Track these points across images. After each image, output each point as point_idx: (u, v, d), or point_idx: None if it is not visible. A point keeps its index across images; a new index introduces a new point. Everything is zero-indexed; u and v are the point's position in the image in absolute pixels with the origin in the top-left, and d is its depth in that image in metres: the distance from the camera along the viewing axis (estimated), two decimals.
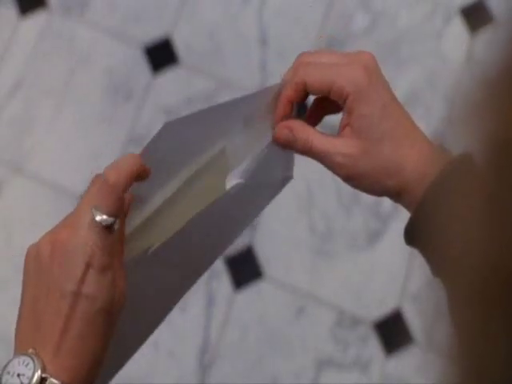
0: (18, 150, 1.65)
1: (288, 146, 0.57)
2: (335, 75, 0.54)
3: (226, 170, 0.57)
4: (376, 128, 0.53)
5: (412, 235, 0.53)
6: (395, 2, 1.76)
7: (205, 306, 1.54)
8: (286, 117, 0.57)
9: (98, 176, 0.53)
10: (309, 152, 0.55)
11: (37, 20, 1.74)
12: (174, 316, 1.52)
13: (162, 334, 1.51)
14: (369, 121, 0.53)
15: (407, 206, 0.54)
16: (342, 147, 0.54)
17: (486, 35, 1.72)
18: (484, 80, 0.27)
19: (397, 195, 0.54)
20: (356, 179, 0.54)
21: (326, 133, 0.56)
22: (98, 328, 0.50)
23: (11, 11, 1.75)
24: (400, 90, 1.69)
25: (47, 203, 1.60)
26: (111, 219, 0.50)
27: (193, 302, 1.53)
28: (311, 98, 0.60)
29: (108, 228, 0.50)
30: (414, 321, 1.51)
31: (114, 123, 1.66)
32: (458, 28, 1.73)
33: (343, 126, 0.54)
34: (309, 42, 1.72)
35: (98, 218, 0.50)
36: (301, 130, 0.56)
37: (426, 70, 1.70)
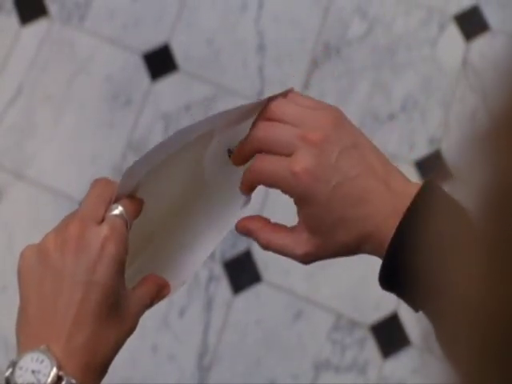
0: (18, 156, 1.66)
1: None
2: (278, 182, 0.54)
3: (209, 142, 0.59)
4: (323, 223, 0.53)
5: (388, 281, 0.52)
6: (391, 9, 1.77)
7: (203, 309, 1.54)
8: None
9: (98, 179, 0.55)
10: (268, 250, 0.56)
11: (37, 28, 1.75)
12: (173, 319, 1.53)
13: (161, 338, 1.52)
14: (314, 218, 0.53)
15: (371, 253, 0.54)
16: (298, 247, 0.54)
17: (480, 42, 1.73)
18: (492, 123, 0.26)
19: (368, 253, 0.55)
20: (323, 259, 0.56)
21: (282, 228, 0.56)
22: (109, 323, 0.50)
23: (12, 19, 1.76)
24: (396, 95, 1.70)
25: (48, 208, 1.61)
26: (124, 211, 0.53)
27: (192, 305, 1.54)
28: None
29: (124, 221, 0.52)
30: (411, 324, 1.53)
31: (113, 129, 1.67)
32: (452, 34, 1.75)
33: (299, 219, 0.55)
34: (305, 48, 1.73)
35: (115, 211, 0.52)
36: (259, 231, 0.56)
37: (422, 76, 1.72)
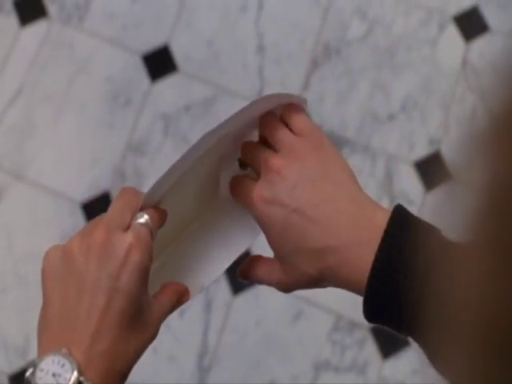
0: (18, 157, 1.66)
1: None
2: (244, 205, 0.57)
3: (224, 150, 0.60)
4: (282, 251, 0.54)
5: (374, 311, 0.51)
6: (391, 10, 1.77)
7: (203, 310, 1.55)
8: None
9: (125, 188, 0.55)
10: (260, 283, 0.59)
11: (37, 29, 1.75)
12: (173, 320, 1.53)
13: (160, 339, 1.52)
14: (274, 246, 0.55)
15: (337, 286, 0.54)
16: (273, 275, 0.56)
17: (480, 42, 1.73)
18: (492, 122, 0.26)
19: (339, 287, 0.55)
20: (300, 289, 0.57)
21: (265, 259, 0.58)
22: (131, 331, 0.51)
23: (12, 20, 1.76)
24: (396, 95, 1.70)
25: (47, 209, 1.61)
26: (149, 220, 0.53)
27: (191, 306, 1.54)
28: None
29: (149, 230, 0.53)
30: None
31: (113, 130, 1.67)
32: (452, 35, 1.75)
33: None
34: (305, 48, 1.74)
35: (141, 220, 0.53)
36: (248, 270, 0.58)
37: (422, 77, 1.72)
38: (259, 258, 0.58)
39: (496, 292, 0.24)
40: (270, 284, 0.57)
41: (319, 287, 0.55)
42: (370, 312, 0.51)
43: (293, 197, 0.53)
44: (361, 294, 0.51)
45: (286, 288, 0.56)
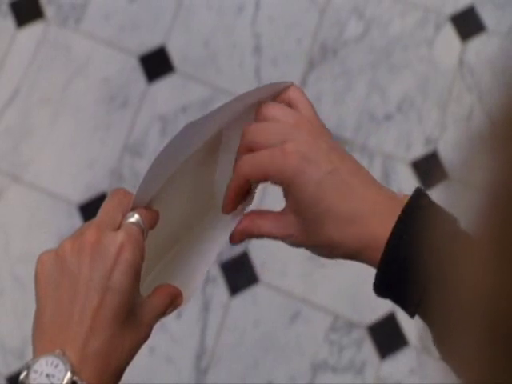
0: (15, 159, 1.66)
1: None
2: (267, 167, 0.54)
3: (218, 150, 0.59)
4: (310, 211, 0.53)
5: (384, 288, 0.52)
6: (387, 10, 1.77)
7: (201, 311, 1.55)
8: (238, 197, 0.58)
9: (116, 189, 0.55)
10: (260, 237, 0.57)
11: (34, 30, 1.75)
12: (170, 321, 1.53)
13: (158, 340, 1.52)
14: (302, 205, 0.53)
15: (367, 263, 0.54)
16: (283, 229, 0.55)
17: (476, 42, 1.74)
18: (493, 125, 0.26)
19: (351, 257, 0.54)
20: (307, 249, 0.56)
21: (269, 213, 0.56)
22: (124, 330, 0.51)
23: (9, 22, 1.76)
24: (393, 95, 1.71)
25: (45, 211, 1.61)
26: (140, 220, 0.53)
27: (189, 307, 1.54)
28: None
29: (140, 229, 0.53)
30: (408, 324, 1.53)
31: (110, 131, 1.67)
32: (449, 35, 1.75)
33: (286, 203, 0.56)
34: (302, 49, 1.74)
35: (131, 219, 0.53)
36: (250, 226, 0.57)
37: (418, 76, 1.72)
38: (264, 212, 0.57)
39: (507, 285, 0.24)
40: (277, 237, 0.56)
41: (330, 255, 0.55)
42: (381, 281, 0.51)
43: (328, 160, 0.53)
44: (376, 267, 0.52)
45: (299, 244, 0.55)
